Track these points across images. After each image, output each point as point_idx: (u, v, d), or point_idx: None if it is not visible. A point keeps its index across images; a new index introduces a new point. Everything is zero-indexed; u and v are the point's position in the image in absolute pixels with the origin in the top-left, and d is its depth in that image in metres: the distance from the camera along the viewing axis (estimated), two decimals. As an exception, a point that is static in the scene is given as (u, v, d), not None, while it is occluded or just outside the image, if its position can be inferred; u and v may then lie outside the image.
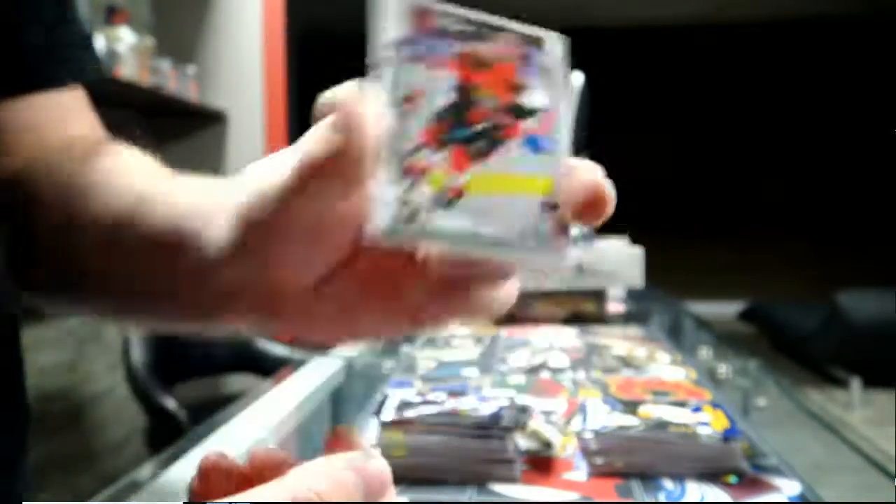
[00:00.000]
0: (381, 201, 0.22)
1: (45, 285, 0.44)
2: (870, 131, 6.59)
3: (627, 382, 0.70)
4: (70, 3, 0.48)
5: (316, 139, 0.25)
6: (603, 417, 0.49)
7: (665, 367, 0.75)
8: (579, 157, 0.25)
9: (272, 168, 0.28)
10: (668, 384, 0.69)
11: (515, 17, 0.25)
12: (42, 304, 0.46)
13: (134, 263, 0.38)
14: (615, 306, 1.14)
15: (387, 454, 0.46)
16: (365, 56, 0.23)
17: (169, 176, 0.39)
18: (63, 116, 0.46)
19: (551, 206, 0.24)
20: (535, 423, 0.57)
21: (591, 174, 0.25)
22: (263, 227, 0.29)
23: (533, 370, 0.74)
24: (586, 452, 0.46)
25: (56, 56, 0.46)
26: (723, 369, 0.76)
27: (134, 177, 0.40)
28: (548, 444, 0.52)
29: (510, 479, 0.45)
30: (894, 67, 6.31)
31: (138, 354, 1.69)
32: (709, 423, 0.48)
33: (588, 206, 0.25)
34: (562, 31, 0.25)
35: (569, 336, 0.94)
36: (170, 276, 0.36)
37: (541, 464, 0.49)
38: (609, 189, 0.25)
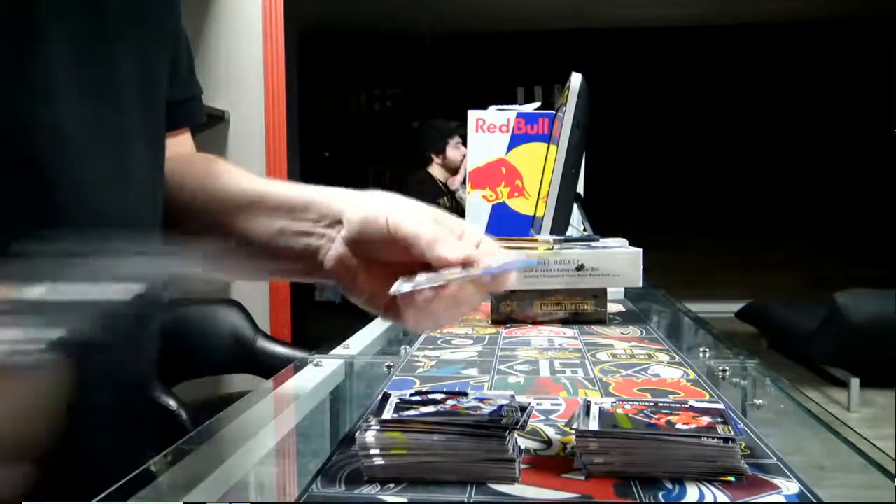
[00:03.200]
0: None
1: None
2: (870, 131, 6.59)
3: (627, 382, 0.70)
4: (193, 64, 0.73)
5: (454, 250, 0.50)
6: (602, 417, 0.49)
7: (664, 366, 0.76)
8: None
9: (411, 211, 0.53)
10: (668, 384, 0.69)
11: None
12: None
13: (267, 226, 0.60)
14: (615, 306, 1.14)
15: (386, 454, 0.47)
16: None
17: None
18: (190, 146, 0.76)
19: None
20: (535, 422, 0.57)
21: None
22: (373, 248, 0.54)
23: (532, 370, 0.74)
24: (585, 452, 0.47)
25: (188, 106, 0.73)
26: (721, 369, 0.76)
27: (241, 173, 0.67)
28: (547, 444, 0.52)
29: (510, 479, 0.45)
30: (893, 68, 6.31)
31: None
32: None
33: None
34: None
35: (569, 336, 0.94)
36: (294, 236, 0.58)
37: (540, 464, 0.49)
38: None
